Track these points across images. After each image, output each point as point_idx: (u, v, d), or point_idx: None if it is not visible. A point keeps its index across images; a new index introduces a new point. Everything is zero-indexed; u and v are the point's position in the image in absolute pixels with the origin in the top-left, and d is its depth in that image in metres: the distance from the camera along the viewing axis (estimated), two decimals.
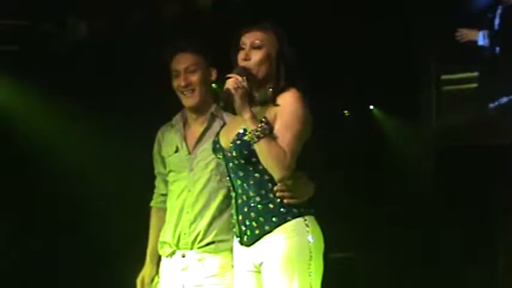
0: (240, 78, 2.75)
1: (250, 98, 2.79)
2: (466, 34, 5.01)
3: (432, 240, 5.47)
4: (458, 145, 5.19)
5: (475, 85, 5.06)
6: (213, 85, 3.26)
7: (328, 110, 5.18)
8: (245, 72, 2.78)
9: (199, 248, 3.11)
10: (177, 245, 3.16)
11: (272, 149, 2.68)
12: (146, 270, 3.30)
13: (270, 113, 2.76)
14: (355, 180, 5.48)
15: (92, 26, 5.11)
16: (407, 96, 5.35)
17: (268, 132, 2.70)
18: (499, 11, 4.89)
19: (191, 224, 3.12)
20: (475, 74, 5.06)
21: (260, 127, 2.70)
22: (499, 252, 5.27)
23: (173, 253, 3.18)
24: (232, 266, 3.03)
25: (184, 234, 3.13)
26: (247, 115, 2.72)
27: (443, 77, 5.17)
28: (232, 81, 2.74)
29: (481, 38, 4.97)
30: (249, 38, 2.83)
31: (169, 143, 3.27)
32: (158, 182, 3.36)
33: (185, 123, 3.26)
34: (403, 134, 5.79)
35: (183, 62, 3.17)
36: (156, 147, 3.34)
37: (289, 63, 2.80)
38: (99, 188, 5.14)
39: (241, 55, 2.82)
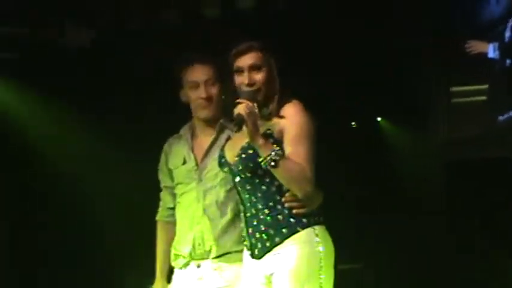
0: (250, 104, 2.82)
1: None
2: (476, 46, 5.09)
3: (441, 252, 5.54)
4: (468, 158, 5.27)
5: (484, 97, 5.14)
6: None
7: (335, 122, 5.28)
8: (254, 97, 2.86)
9: (214, 258, 3.19)
10: (191, 256, 3.23)
11: (292, 168, 2.77)
12: (157, 285, 3.36)
13: (273, 126, 2.85)
14: (362, 191, 5.56)
15: (92, 33, 5.22)
16: (415, 107, 5.43)
17: (282, 153, 2.78)
18: (510, 24, 4.93)
19: (204, 234, 3.20)
20: (485, 86, 5.13)
21: (273, 151, 2.77)
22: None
23: (187, 264, 3.26)
24: None
25: (199, 245, 3.21)
26: (259, 142, 2.78)
27: (453, 89, 5.25)
28: (245, 107, 2.80)
29: (491, 50, 5.03)
30: (245, 61, 2.90)
31: (176, 155, 3.35)
32: (164, 196, 3.43)
33: (193, 134, 3.34)
34: (411, 146, 5.87)
35: (203, 73, 3.25)
36: (163, 159, 3.42)
37: (285, 77, 2.89)
38: (100, 198, 5.22)
39: (242, 80, 2.90)
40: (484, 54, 5.07)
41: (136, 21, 5.17)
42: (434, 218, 5.57)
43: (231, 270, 3.17)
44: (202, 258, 3.21)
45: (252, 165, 2.84)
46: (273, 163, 2.76)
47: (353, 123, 6.02)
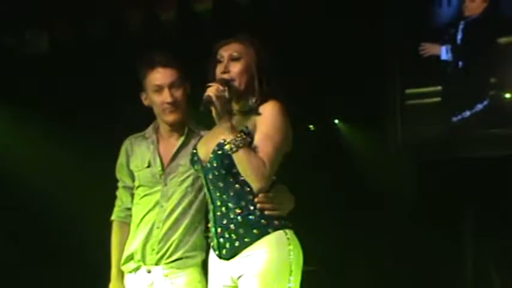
0: (221, 87, 2.84)
1: (229, 110, 2.88)
2: (429, 49, 5.21)
3: (395, 255, 5.60)
4: (424, 159, 5.38)
5: (438, 99, 5.25)
6: None
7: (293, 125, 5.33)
8: (226, 83, 2.87)
9: (166, 263, 3.17)
10: (143, 260, 3.21)
11: (251, 159, 2.76)
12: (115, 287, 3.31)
13: (251, 123, 2.85)
14: (321, 194, 5.63)
15: (53, 38, 5.22)
16: (372, 109, 5.48)
17: (247, 142, 2.79)
18: (461, 26, 5.08)
19: (161, 240, 3.18)
20: (439, 88, 5.25)
21: (239, 137, 2.78)
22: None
23: (138, 268, 3.23)
24: (199, 282, 3.14)
25: (153, 250, 3.19)
26: (226, 124, 2.80)
27: (408, 91, 5.36)
28: (214, 89, 2.82)
29: (444, 53, 5.16)
30: (226, 51, 2.93)
31: (139, 157, 3.30)
32: (123, 195, 3.37)
33: (158, 137, 3.30)
34: (369, 148, 5.92)
35: (167, 77, 3.21)
36: (123, 158, 3.36)
37: (269, 74, 2.90)
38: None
39: (220, 68, 2.92)
40: (437, 57, 5.20)
41: (98, 26, 5.20)
42: (394, 219, 5.65)
43: (182, 276, 3.17)
44: (153, 264, 3.19)
45: (227, 162, 2.84)
46: (235, 147, 2.77)
47: (310, 126, 6.09)
